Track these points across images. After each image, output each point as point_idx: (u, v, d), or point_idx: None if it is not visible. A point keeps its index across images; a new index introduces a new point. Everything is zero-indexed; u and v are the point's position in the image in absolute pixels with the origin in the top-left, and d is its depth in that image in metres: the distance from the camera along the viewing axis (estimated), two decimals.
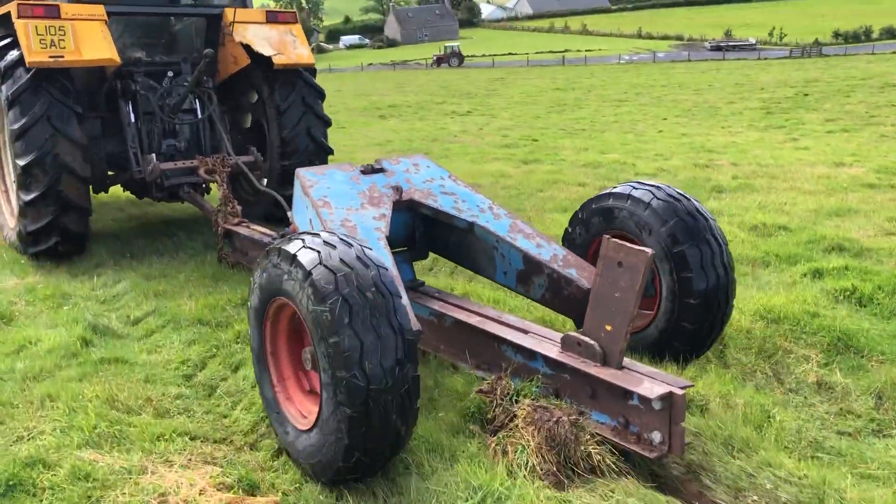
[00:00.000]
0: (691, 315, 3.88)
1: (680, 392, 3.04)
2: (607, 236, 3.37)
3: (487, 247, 4.28)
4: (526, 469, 3.09)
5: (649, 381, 3.16)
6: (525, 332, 3.78)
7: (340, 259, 3.00)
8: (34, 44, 6.08)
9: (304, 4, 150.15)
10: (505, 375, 3.60)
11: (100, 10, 6.44)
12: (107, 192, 7.61)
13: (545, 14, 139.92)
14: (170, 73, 7.22)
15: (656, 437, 3.06)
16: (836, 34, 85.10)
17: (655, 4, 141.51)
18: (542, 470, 3.08)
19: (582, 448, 3.13)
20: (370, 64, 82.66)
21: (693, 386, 3.42)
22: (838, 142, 14.54)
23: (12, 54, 6.31)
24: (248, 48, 7.12)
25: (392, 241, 4.24)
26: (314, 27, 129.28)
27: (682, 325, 3.91)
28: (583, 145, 15.57)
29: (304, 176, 4.37)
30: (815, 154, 12.64)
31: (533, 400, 3.36)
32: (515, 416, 3.32)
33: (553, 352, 3.51)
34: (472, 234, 4.33)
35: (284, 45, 7.14)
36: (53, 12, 6.21)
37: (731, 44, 75.66)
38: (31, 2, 6.26)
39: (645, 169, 11.33)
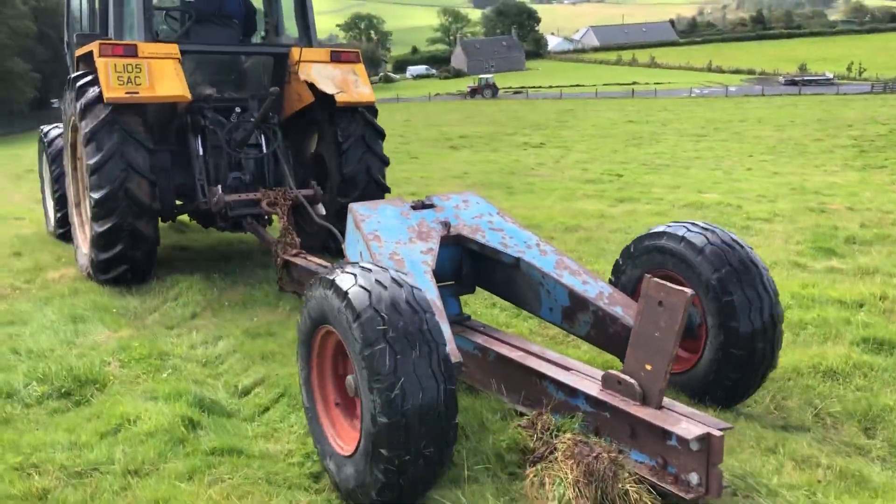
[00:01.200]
0: (734, 363, 3.90)
1: (718, 434, 3.04)
2: (649, 276, 3.37)
3: (533, 282, 4.36)
4: (562, 502, 3.08)
5: (687, 422, 3.16)
6: (567, 368, 3.83)
7: (391, 302, 3.09)
8: (112, 81, 6.43)
9: (373, 35, 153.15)
10: (546, 411, 3.62)
11: (174, 49, 6.83)
12: (174, 221, 7.90)
13: (612, 46, 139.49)
14: (237, 109, 7.49)
15: (693, 478, 3.06)
16: None
17: (725, 38, 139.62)
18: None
19: (619, 486, 3.10)
20: (437, 94, 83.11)
21: (732, 428, 3.41)
22: None
23: (93, 91, 6.62)
24: (312, 86, 7.38)
25: (440, 276, 4.44)
26: (382, 57, 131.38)
27: (726, 374, 3.94)
28: (672, 182, 15.00)
29: (357, 211, 4.53)
30: None
31: (574, 435, 3.37)
32: (556, 448, 3.32)
33: (594, 390, 3.54)
34: (519, 270, 4.41)
35: (347, 84, 7.42)
36: (132, 51, 6.57)
37: (806, 78, 73.79)
38: (112, 41, 6.69)
39: (755, 213, 10.70)
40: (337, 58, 7.65)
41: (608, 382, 3.48)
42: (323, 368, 3.59)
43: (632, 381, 3.36)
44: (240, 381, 4.78)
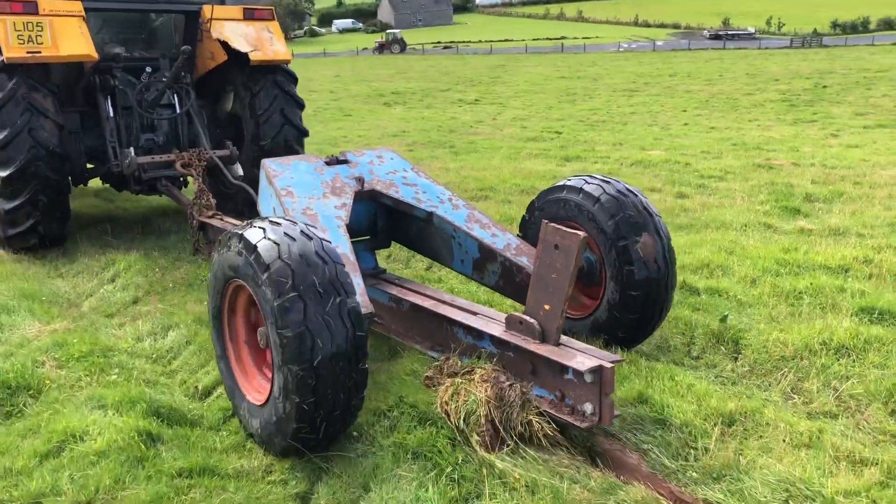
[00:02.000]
0: (632, 304, 4.05)
1: (609, 365, 3.21)
2: (546, 221, 3.51)
3: (445, 236, 4.50)
4: (471, 417, 3.30)
5: (581, 356, 3.34)
6: (474, 313, 3.97)
7: (300, 254, 3.14)
8: (12, 40, 6.13)
9: None
10: (453, 356, 3.74)
11: (77, 6, 6.52)
12: (86, 185, 7.67)
13: (539, 0, 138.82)
14: (148, 69, 7.25)
15: (588, 408, 3.25)
16: (835, 24, 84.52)
17: None
18: (484, 421, 3.26)
19: (524, 415, 3.30)
20: (364, 48, 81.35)
21: (623, 361, 3.60)
22: (885, 139, 13.86)
23: None
24: (225, 45, 7.20)
25: (355, 231, 4.62)
26: (306, 10, 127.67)
27: (624, 314, 4.09)
28: (612, 139, 14.89)
29: (269, 166, 4.53)
30: (872, 153, 11.94)
31: (493, 366, 3.54)
32: (474, 370, 3.52)
33: (498, 331, 3.68)
34: (431, 224, 4.53)
35: (261, 42, 7.28)
36: (31, 8, 6.26)
37: (730, 33, 74.94)
38: None
39: (706, 170, 10.59)
40: (250, 15, 7.45)
41: (511, 324, 3.65)
42: (234, 322, 3.64)
43: (532, 320, 3.52)
44: (198, 379, 4.18)
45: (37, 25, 6.21)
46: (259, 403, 3.37)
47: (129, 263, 6.26)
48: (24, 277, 6.02)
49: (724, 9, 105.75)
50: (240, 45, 7.14)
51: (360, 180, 4.52)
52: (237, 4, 7.68)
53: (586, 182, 4.23)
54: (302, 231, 3.25)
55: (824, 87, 25.63)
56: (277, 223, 3.30)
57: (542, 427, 3.25)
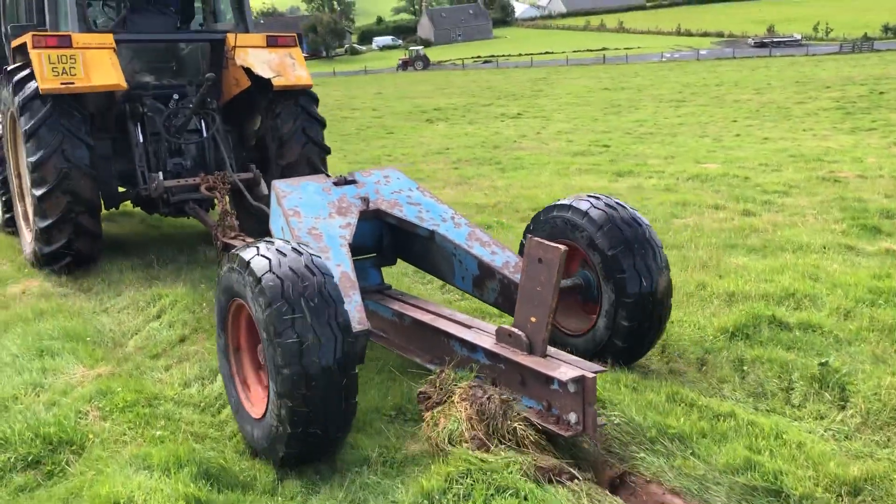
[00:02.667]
0: (628, 314, 4.11)
1: (591, 375, 3.30)
2: (530, 236, 3.69)
3: (447, 254, 4.65)
4: (455, 435, 3.37)
5: (566, 367, 3.44)
6: (469, 327, 4.11)
7: (289, 266, 3.32)
8: (47, 72, 6.43)
9: (336, 6, 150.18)
10: (447, 368, 3.80)
11: (108, 38, 6.84)
12: (117, 208, 7.98)
13: (579, 12, 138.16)
14: (175, 96, 7.49)
15: (572, 417, 3.33)
16: (886, 28, 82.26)
17: (692, 1, 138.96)
18: (469, 436, 3.34)
19: (508, 423, 3.37)
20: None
21: (606, 371, 3.74)
22: None
23: (30, 86, 6.61)
24: (248, 71, 7.42)
25: (362, 248, 4.86)
26: (347, 29, 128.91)
27: (621, 324, 4.13)
28: (664, 152, 14.45)
29: (279, 187, 4.71)
30: None
31: (470, 382, 3.60)
32: (453, 393, 3.58)
33: (489, 343, 3.81)
34: (434, 242, 4.67)
35: (284, 68, 7.48)
36: (65, 42, 6.58)
37: (775, 40, 73.47)
38: (45, 33, 6.69)
39: (767, 185, 10.11)
40: (273, 42, 7.68)
41: (501, 336, 3.78)
42: (237, 339, 3.82)
43: (519, 333, 3.64)
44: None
45: (70, 58, 6.50)
46: (258, 417, 3.53)
47: (176, 298, 6.04)
48: (70, 314, 5.85)
49: (768, 16, 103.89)
50: (263, 71, 7.33)
51: (366, 200, 4.67)
52: (261, 33, 7.98)
53: (592, 206, 4.32)
54: (293, 248, 3.45)
55: (881, 93, 24.76)
56: (272, 242, 3.52)
57: (528, 434, 3.33)
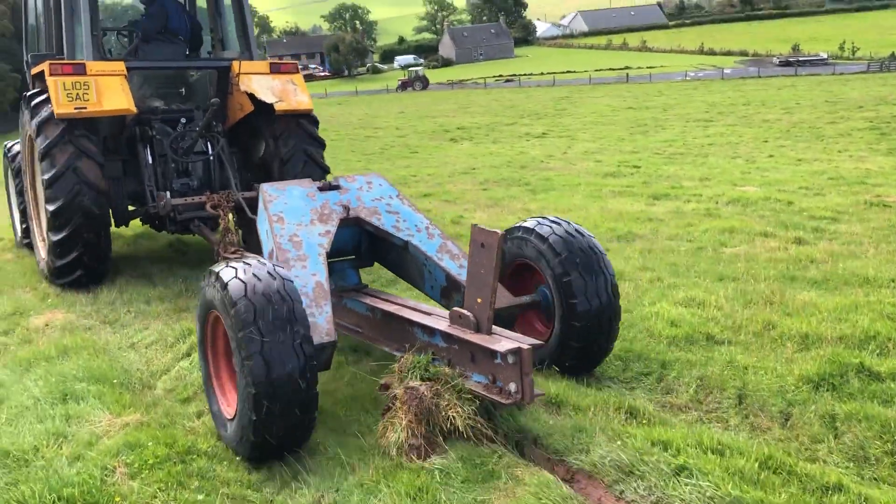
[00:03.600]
0: (576, 335, 4.46)
1: (526, 347, 3.64)
2: (474, 223, 4.00)
3: (418, 263, 4.96)
4: (399, 444, 3.64)
5: (506, 341, 3.78)
6: (429, 314, 4.43)
7: (262, 293, 3.65)
8: (62, 98, 6.88)
9: (358, 26, 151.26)
10: (407, 355, 4.08)
11: (120, 66, 7.31)
12: (127, 225, 8.39)
13: (601, 31, 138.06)
14: (183, 120, 7.95)
15: (512, 387, 3.64)
16: None
17: (714, 20, 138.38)
18: (407, 447, 3.63)
19: (443, 414, 3.68)
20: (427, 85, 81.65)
21: (544, 344, 4.30)
22: None
23: (46, 109, 7.06)
24: (252, 97, 7.81)
25: (342, 251, 5.21)
26: (369, 48, 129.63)
27: (570, 344, 4.50)
28: (697, 174, 14.07)
29: (266, 191, 4.92)
30: None
31: (407, 385, 3.83)
32: (396, 398, 3.83)
33: (444, 326, 4.13)
34: (407, 252, 4.97)
35: (286, 94, 7.86)
36: (80, 70, 7.03)
37: (801, 59, 72.78)
38: (61, 61, 7.18)
39: (813, 210, 9.69)
40: (276, 69, 8.10)
41: (453, 318, 4.09)
42: (215, 346, 4.17)
43: (468, 313, 3.96)
44: (291, 496, 3.50)
45: (84, 84, 6.95)
46: (230, 417, 3.92)
47: None
48: (96, 350, 5.53)
49: (792, 35, 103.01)
50: (265, 96, 7.71)
51: (347, 208, 4.92)
52: (264, 60, 8.45)
53: (538, 223, 4.67)
54: (269, 272, 3.79)
55: None
56: (249, 264, 3.85)
57: (462, 415, 3.65)
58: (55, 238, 7.02)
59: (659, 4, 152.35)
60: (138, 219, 8.17)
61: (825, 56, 75.17)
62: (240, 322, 3.56)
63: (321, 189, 4.99)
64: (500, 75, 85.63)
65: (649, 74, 66.73)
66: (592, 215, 10.03)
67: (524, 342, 3.72)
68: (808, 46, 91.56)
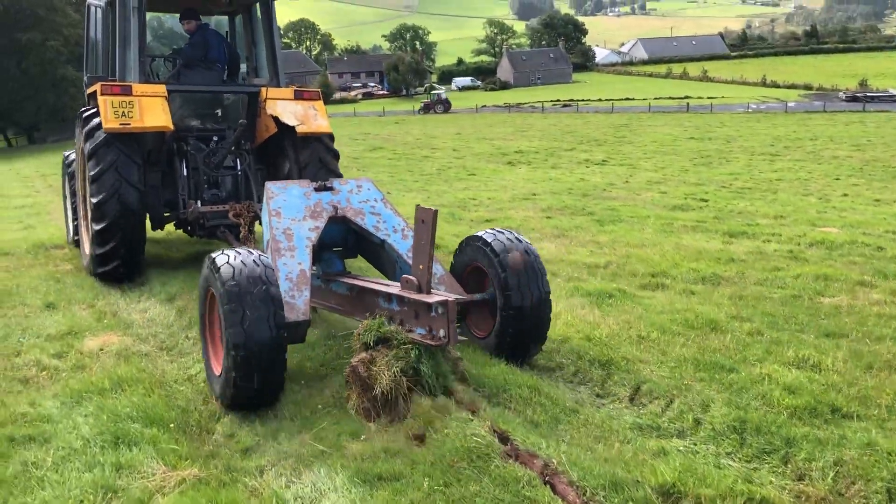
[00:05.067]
0: (512, 324, 5.39)
1: (451, 299, 4.54)
2: (418, 204, 4.86)
3: (391, 260, 5.85)
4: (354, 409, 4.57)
5: (438, 297, 4.65)
6: (388, 285, 5.26)
7: (247, 277, 4.60)
8: (110, 115, 7.79)
9: (417, 46, 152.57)
10: (367, 320, 4.83)
11: (161, 88, 8.24)
12: (162, 228, 9.32)
13: (661, 59, 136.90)
14: (215, 138, 8.98)
15: (441, 333, 4.51)
16: None
17: (778, 52, 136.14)
18: (361, 411, 4.52)
19: (380, 380, 4.40)
20: (484, 106, 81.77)
21: (468, 299, 5.45)
22: None
23: (94, 121, 8.07)
24: (276, 119, 8.67)
25: (331, 243, 6.06)
26: (427, 69, 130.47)
27: (508, 331, 5.41)
28: (771, 211, 13.47)
29: (270, 188, 5.68)
30: None
31: (352, 364, 4.59)
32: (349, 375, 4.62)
33: (396, 290, 4.94)
34: (384, 249, 5.85)
35: (307, 118, 8.74)
36: (127, 91, 7.94)
37: (869, 94, 70.81)
38: (112, 82, 8.16)
39: None
40: (300, 95, 8.96)
41: (403, 284, 4.88)
42: (212, 318, 5.07)
43: (412, 278, 4.77)
44: None
45: (129, 103, 7.83)
46: (218, 374, 4.82)
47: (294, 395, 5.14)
48: (151, 384, 5.22)
49: (860, 69, 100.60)
50: (288, 119, 8.60)
51: (336, 207, 5.68)
52: (290, 87, 9.30)
53: (486, 232, 5.61)
54: (254, 260, 4.68)
55: None
56: (240, 253, 4.75)
57: (394, 378, 4.38)
58: (97, 227, 7.87)
59: (721, 35, 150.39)
60: (172, 223, 9.11)
61: (894, 92, 73.02)
62: (227, 298, 4.46)
63: (317, 189, 5.72)
64: (558, 100, 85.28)
65: (710, 105, 65.65)
66: (669, 253, 9.54)
67: (450, 296, 4.60)
68: (875, 82, 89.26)
